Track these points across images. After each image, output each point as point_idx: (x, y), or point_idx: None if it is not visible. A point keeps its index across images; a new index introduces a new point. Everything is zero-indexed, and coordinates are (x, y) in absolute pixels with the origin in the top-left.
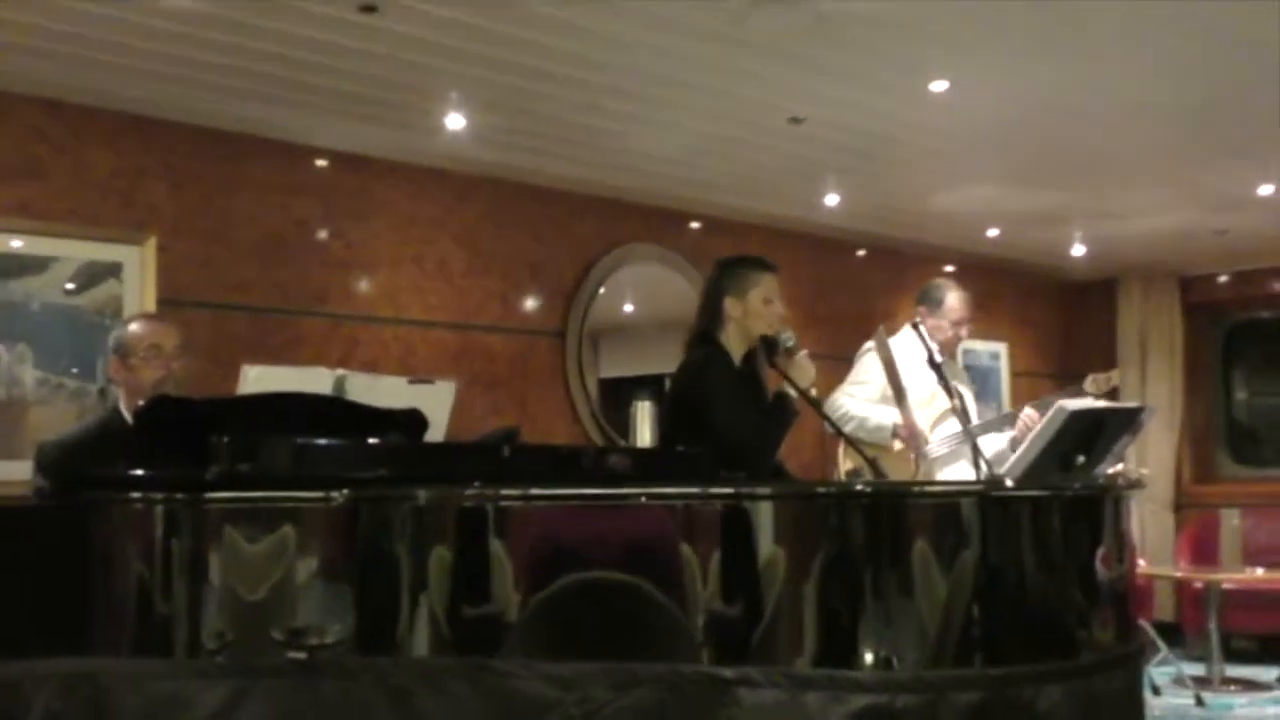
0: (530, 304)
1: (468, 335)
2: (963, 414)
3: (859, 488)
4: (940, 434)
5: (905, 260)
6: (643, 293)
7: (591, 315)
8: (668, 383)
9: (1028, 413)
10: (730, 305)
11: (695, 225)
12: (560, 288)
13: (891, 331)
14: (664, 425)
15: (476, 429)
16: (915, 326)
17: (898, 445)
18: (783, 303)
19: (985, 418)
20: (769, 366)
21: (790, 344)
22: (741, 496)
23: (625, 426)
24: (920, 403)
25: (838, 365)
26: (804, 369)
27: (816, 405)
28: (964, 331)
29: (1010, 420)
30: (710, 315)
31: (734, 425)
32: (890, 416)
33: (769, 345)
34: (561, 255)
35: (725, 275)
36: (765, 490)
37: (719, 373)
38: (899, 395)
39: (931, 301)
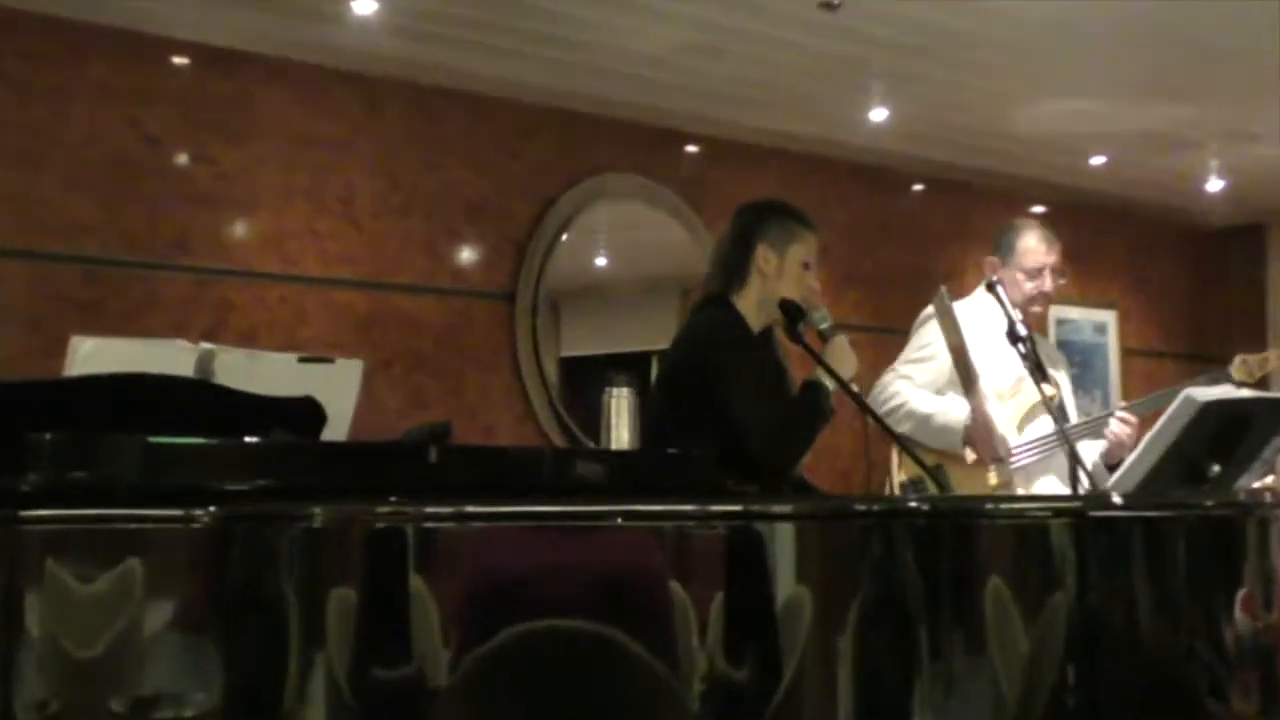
0: (467, 255)
1: (381, 297)
2: (1058, 409)
3: (912, 504)
4: (1029, 437)
5: (976, 198)
6: (621, 241)
7: (551, 271)
8: (655, 362)
9: (1114, 427)
10: (764, 257)
11: (692, 149)
12: (508, 234)
13: (958, 294)
14: (653, 416)
15: (394, 425)
16: (991, 288)
17: (971, 455)
18: (816, 282)
19: (1089, 414)
20: (791, 343)
21: (826, 324)
22: (754, 516)
23: (595, 422)
24: (1000, 393)
25: (883, 341)
26: (843, 357)
27: (861, 401)
28: (1047, 286)
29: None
30: (732, 270)
31: (756, 416)
32: (962, 411)
33: (791, 314)
34: (510, 189)
35: (761, 219)
36: (786, 507)
37: (738, 344)
38: (968, 382)
39: (1003, 248)
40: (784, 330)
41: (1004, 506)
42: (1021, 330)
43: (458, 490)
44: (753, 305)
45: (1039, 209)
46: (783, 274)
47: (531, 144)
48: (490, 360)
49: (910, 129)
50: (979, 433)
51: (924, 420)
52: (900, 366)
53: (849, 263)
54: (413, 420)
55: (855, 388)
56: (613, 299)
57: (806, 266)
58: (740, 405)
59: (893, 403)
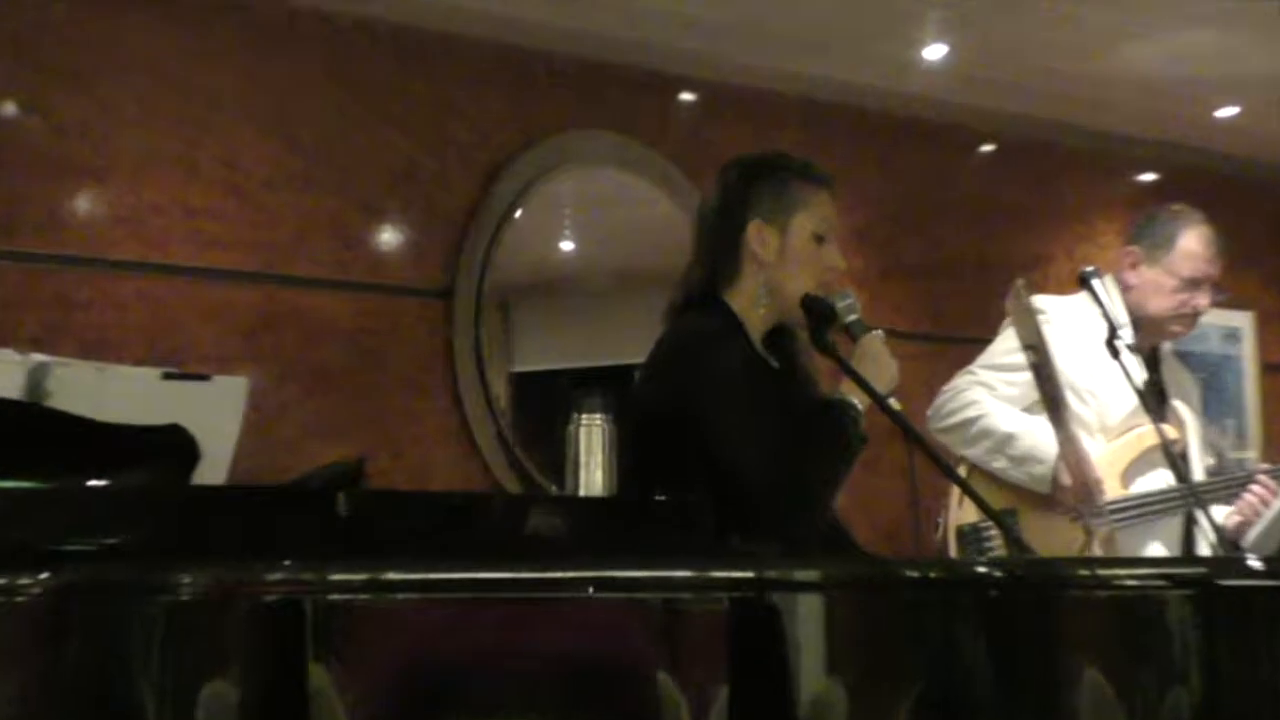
0: (389, 239)
1: (275, 294)
2: (1179, 458)
3: (980, 569)
4: (1137, 492)
5: (1063, 164)
6: (592, 221)
7: (500, 261)
8: (637, 377)
9: (1252, 494)
10: (756, 238)
11: (688, 98)
12: (444, 211)
13: (1045, 290)
14: (629, 455)
15: (291, 463)
16: (1087, 280)
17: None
18: (840, 244)
19: (1217, 451)
20: (818, 352)
21: (853, 316)
22: (770, 585)
23: (559, 459)
24: (1109, 427)
25: (938, 354)
26: (877, 359)
27: (900, 420)
28: (1201, 303)
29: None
30: (718, 257)
31: (757, 453)
32: (1055, 440)
33: (818, 315)
34: (447, 153)
35: (748, 185)
36: (812, 573)
37: (732, 358)
38: (1054, 412)
39: (1151, 240)
40: (810, 337)
41: (1103, 573)
42: (1125, 338)
43: (375, 550)
44: (750, 302)
45: (1148, 177)
46: (787, 255)
47: (475, 93)
48: (420, 377)
49: (976, 72)
50: (1069, 473)
51: (1005, 441)
52: (979, 370)
53: (892, 249)
54: (316, 457)
55: (896, 403)
56: (581, 297)
57: (821, 239)
58: (735, 445)
59: (965, 413)
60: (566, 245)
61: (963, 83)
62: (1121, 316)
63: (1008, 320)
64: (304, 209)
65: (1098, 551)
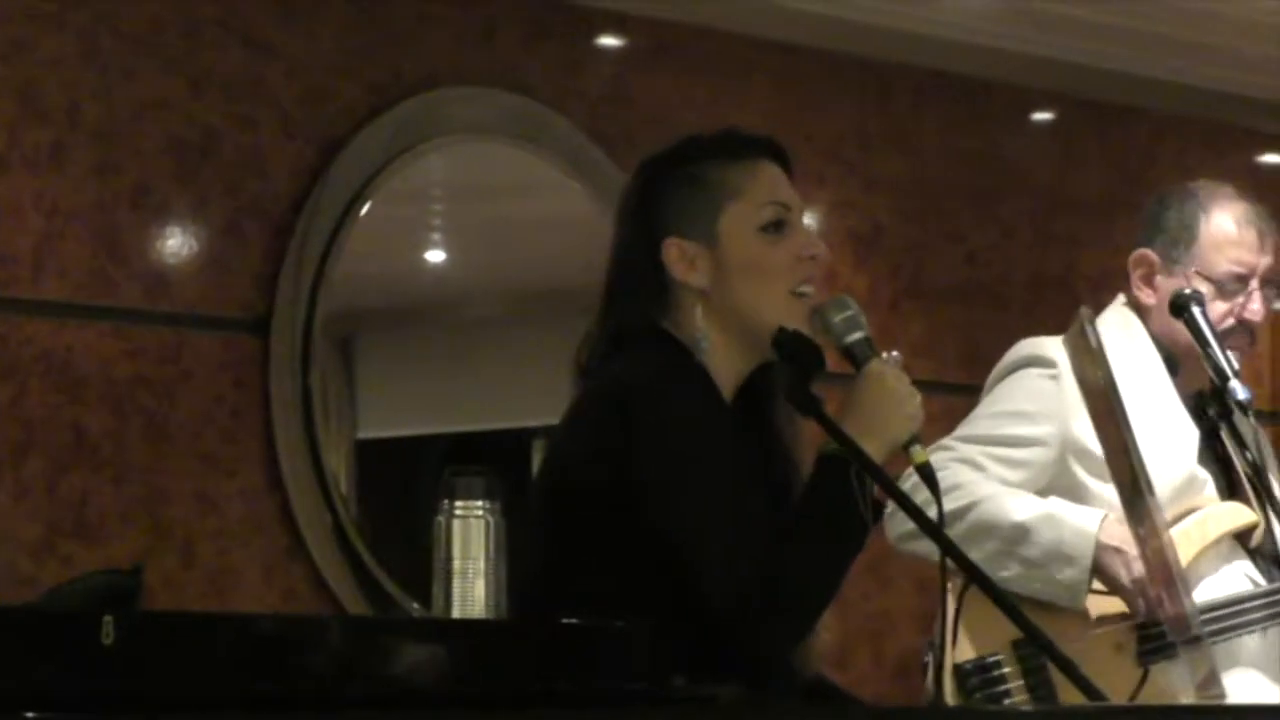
0: (176, 246)
1: (7, 327)
2: (1270, 544)
3: None
4: (1209, 596)
5: (1153, 137)
6: (471, 219)
7: (337, 277)
8: (536, 451)
9: None
10: (678, 260)
11: (611, 43)
12: (257, 204)
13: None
14: (532, 556)
15: (33, 572)
16: (1184, 308)
17: (1099, 610)
18: (815, 235)
19: None
20: (797, 411)
21: (856, 335)
22: None
23: (423, 564)
24: (1165, 497)
25: (973, 406)
26: (887, 396)
27: (909, 506)
28: (1254, 307)
29: None
30: (645, 275)
31: (723, 545)
32: (1091, 522)
33: (796, 356)
34: (261, 119)
35: (653, 190)
36: None
37: (690, 409)
38: (1132, 491)
39: (1168, 236)
40: (785, 391)
41: None
42: (1238, 392)
43: (156, 698)
44: (698, 330)
45: (1273, 158)
46: (729, 270)
47: (302, 33)
48: (220, 449)
49: (1030, 6)
50: (1158, 588)
51: (1014, 538)
52: (961, 445)
53: (910, 263)
54: (72, 563)
55: (921, 451)
56: (457, 330)
57: (777, 227)
58: (694, 526)
59: (949, 503)
60: (434, 255)
61: (1010, 22)
62: (1141, 354)
63: (1002, 369)
64: (48, 202)
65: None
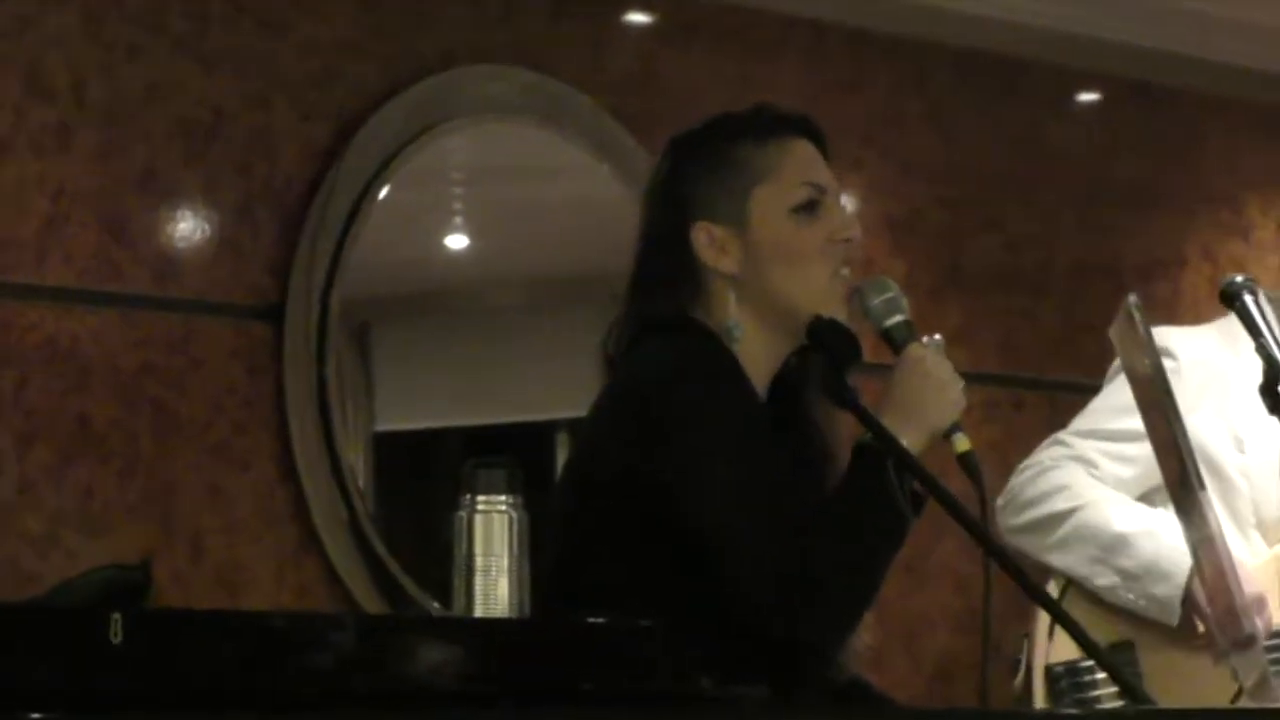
0: (186, 231)
1: (11, 313)
2: None
3: None
4: None
5: (1203, 118)
6: (493, 202)
7: (354, 264)
8: (566, 442)
9: None
10: (706, 245)
11: (638, 20)
12: (269, 188)
13: (1173, 314)
14: (555, 552)
15: (41, 568)
16: (1235, 297)
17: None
18: (851, 216)
19: None
20: (831, 403)
21: (896, 318)
22: None
23: (443, 561)
24: (1265, 521)
25: (1018, 402)
26: (926, 382)
27: (954, 505)
28: None
29: None
30: (674, 262)
31: (755, 538)
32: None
33: (831, 347)
34: (274, 100)
35: (680, 172)
36: None
37: (723, 403)
38: (1185, 499)
39: None
40: (820, 382)
41: None
42: None
43: (165, 698)
44: (730, 318)
45: None
46: (761, 255)
47: (315, 8)
48: (233, 440)
49: None
50: (1210, 588)
51: (1114, 546)
52: (1074, 440)
53: (948, 250)
54: (78, 558)
55: (963, 440)
56: (478, 319)
57: (810, 207)
58: (723, 523)
59: (1053, 504)
60: (454, 240)
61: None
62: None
63: (1118, 363)
64: (53, 184)
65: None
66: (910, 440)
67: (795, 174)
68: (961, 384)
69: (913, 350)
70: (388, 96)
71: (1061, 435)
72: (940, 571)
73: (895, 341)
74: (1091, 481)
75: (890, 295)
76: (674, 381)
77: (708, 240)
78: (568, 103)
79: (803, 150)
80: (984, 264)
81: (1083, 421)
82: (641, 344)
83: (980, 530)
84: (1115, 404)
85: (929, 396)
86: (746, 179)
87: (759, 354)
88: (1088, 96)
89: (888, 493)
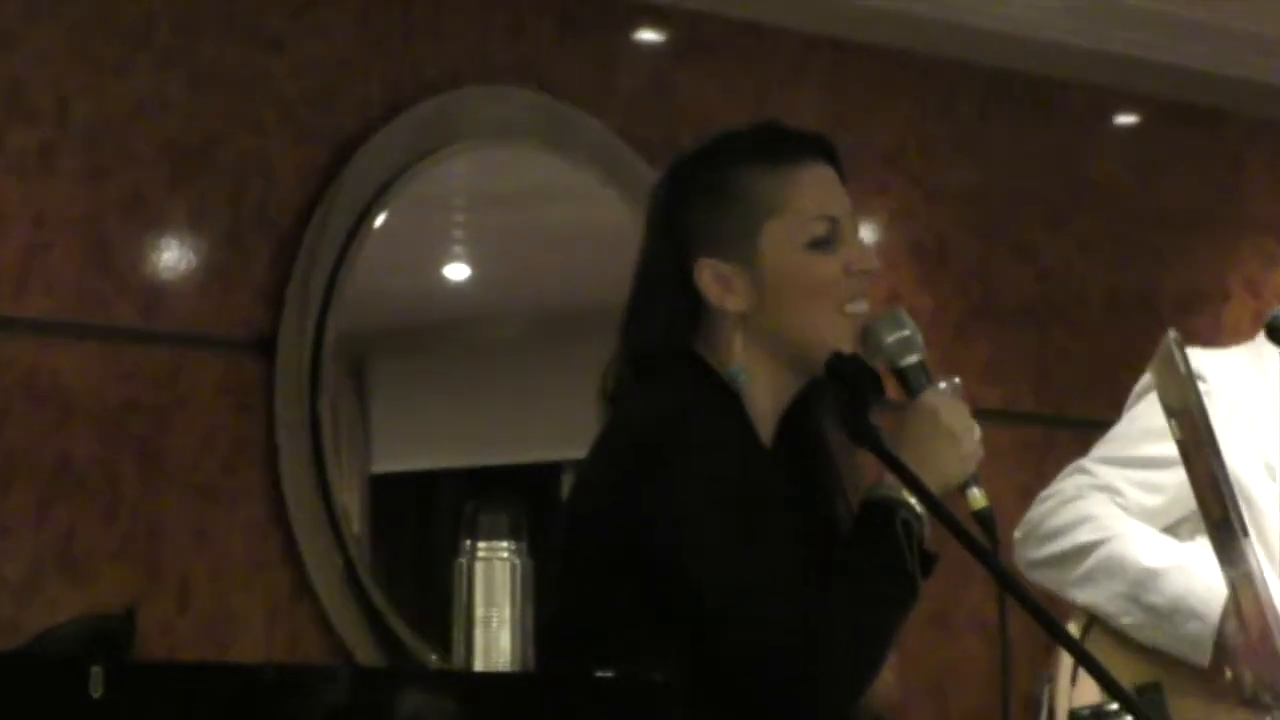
0: (172, 260)
1: None
2: None
3: None
4: None
5: (1246, 141)
6: (496, 230)
7: (349, 295)
8: (573, 482)
9: None
10: (712, 283)
11: (650, 38)
12: (261, 214)
13: (1211, 341)
14: (560, 603)
15: (18, 616)
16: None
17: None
18: (869, 246)
19: None
20: (852, 441)
21: (912, 358)
22: None
23: (443, 610)
24: None
25: (1049, 441)
26: (941, 427)
27: (979, 548)
28: None
29: None
30: (675, 298)
31: (760, 602)
32: (1220, 578)
33: (854, 384)
34: (266, 121)
35: (682, 198)
36: None
37: (723, 450)
38: (1221, 524)
39: None
40: (840, 418)
41: None
42: None
43: None
44: (735, 360)
45: None
46: (770, 292)
47: (311, 25)
48: (220, 480)
49: (1106, 0)
50: (1249, 629)
51: (1142, 582)
52: (1099, 467)
53: (978, 279)
54: (58, 606)
55: (980, 495)
56: (481, 353)
57: (826, 242)
58: (721, 582)
59: (1077, 536)
60: (457, 269)
61: (1087, 16)
62: None
63: (1144, 385)
64: (34, 209)
65: None
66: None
67: (811, 206)
68: (978, 434)
69: (926, 399)
70: (387, 118)
71: (1084, 462)
72: (968, 623)
73: (910, 384)
74: (1117, 512)
75: (905, 334)
76: (669, 427)
77: (713, 278)
78: (576, 125)
79: (816, 176)
80: (1015, 295)
81: (1106, 448)
82: (638, 383)
83: (1000, 570)
84: (1142, 428)
85: (942, 448)
86: (757, 213)
87: (765, 392)
88: (1126, 119)
89: (896, 555)
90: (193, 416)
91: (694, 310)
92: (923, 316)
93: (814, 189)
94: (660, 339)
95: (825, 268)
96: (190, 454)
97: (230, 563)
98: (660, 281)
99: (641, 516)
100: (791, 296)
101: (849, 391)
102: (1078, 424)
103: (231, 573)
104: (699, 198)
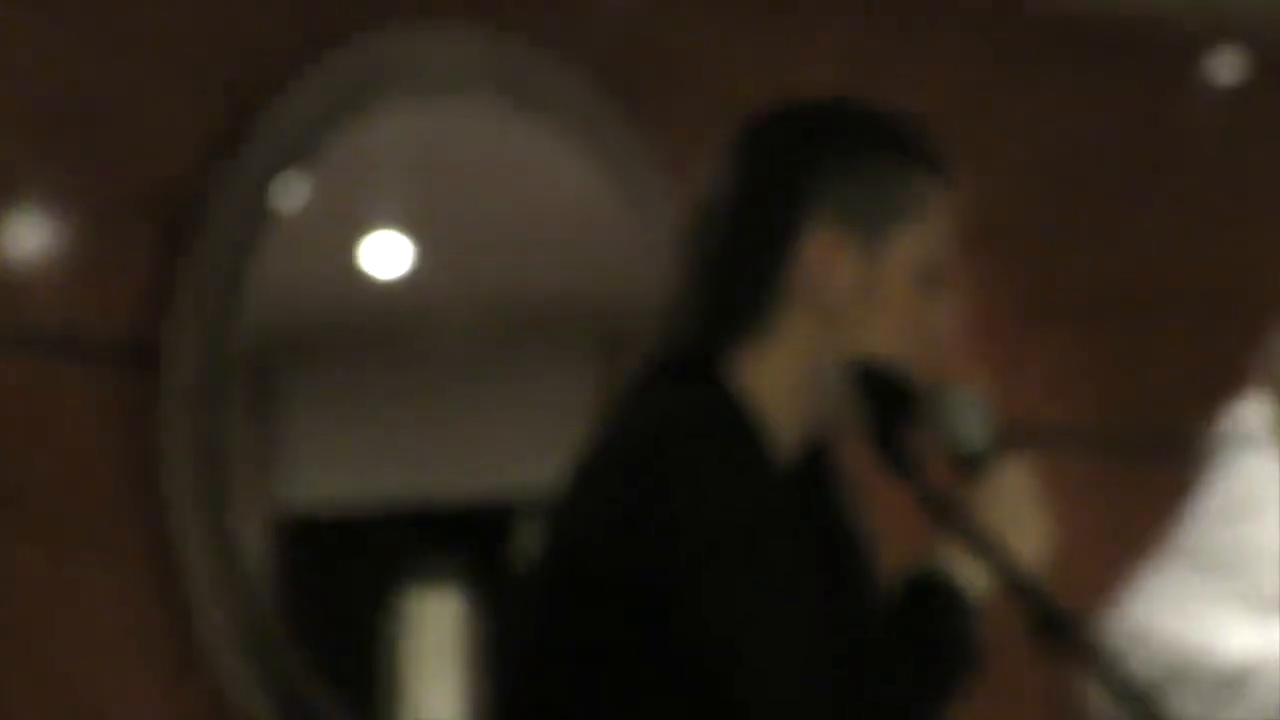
0: (31, 245)
1: None
2: None
3: None
4: None
5: None
6: (443, 205)
7: (260, 289)
8: (529, 523)
9: None
10: (821, 258)
11: None
12: (142, 188)
13: None
14: (521, 667)
15: None
16: None
17: None
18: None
19: None
20: (889, 474)
21: (975, 442)
22: None
23: (366, 678)
24: None
25: (1126, 481)
26: (1009, 514)
27: (1060, 628)
28: None
29: None
30: (751, 281)
31: (782, 664)
32: None
33: (889, 406)
34: (147, 73)
35: (820, 154)
36: None
37: (740, 485)
38: None
39: None
40: (869, 440)
41: None
42: None
43: None
44: (785, 377)
45: None
46: (875, 298)
47: None
48: (93, 521)
49: None
50: None
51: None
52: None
53: (1042, 272)
54: None
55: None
56: (417, 359)
57: (932, 279)
58: (743, 640)
59: (1222, 659)
60: (389, 257)
61: None
62: None
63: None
64: None
65: None
66: (972, 575)
67: (943, 229)
68: (1046, 525)
69: (995, 476)
70: (301, 66)
71: (1168, 564)
72: (1032, 698)
73: (973, 460)
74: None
75: (977, 410)
76: (683, 465)
77: (827, 250)
78: (543, 76)
79: (947, 202)
80: (1085, 289)
81: (1196, 540)
82: (646, 395)
83: (1082, 645)
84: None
85: (1015, 534)
86: (894, 209)
87: (799, 408)
88: (1222, 71)
89: (953, 635)
90: (56, 442)
91: (758, 313)
92: (972, 314)
93: (947, 215)
94: (696, 337)
95: (921, 309)
96: (52, 488)
97: (102, 628)
98: (729, 264)
99: (641, 565)
100: (882, 316)
101: (885, 410)
102: (1160, 443)
103: (103, 642)
104: (833, 160)
